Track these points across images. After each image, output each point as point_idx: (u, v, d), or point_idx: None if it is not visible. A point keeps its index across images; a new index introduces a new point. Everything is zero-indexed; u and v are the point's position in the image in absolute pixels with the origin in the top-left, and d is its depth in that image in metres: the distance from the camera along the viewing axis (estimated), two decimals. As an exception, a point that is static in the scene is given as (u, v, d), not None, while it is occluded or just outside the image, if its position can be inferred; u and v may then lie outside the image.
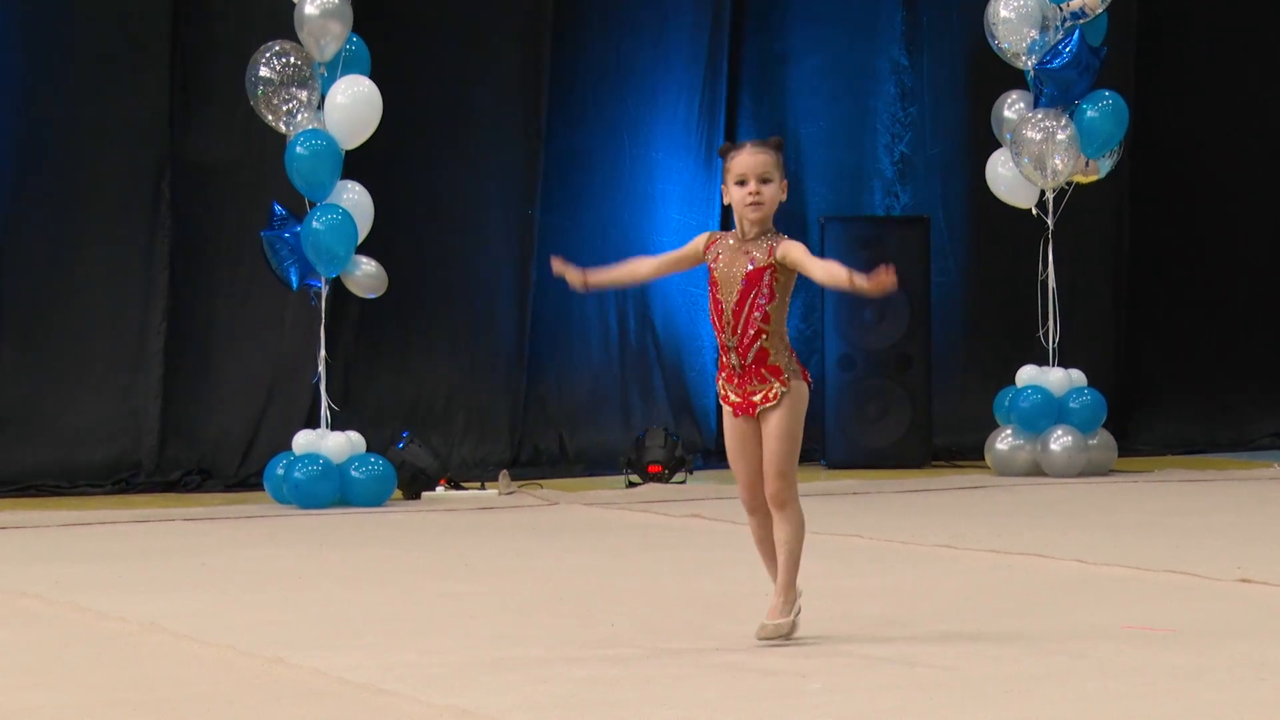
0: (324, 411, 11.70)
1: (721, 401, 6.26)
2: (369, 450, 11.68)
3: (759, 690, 5.48)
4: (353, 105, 11.51)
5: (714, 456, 13.69)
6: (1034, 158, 12.54)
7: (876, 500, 11.59)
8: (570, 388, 14.06)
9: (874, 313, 13.65)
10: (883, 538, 9.41)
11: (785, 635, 6.13)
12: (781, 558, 6.20)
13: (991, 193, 13.05)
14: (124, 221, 12.79)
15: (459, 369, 13.67)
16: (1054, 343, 12.81)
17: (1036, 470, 12.66)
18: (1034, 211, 12.88)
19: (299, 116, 11.52)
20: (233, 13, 12.75)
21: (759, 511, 6.23)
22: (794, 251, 6.11)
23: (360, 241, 11.62)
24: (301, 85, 11.50)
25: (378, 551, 9.39)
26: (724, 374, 6.23)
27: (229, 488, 12.57)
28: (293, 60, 11.49)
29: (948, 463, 13.87)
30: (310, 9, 11.47)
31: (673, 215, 14.23)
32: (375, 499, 11.45)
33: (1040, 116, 12.52)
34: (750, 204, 6.13)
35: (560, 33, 13.85)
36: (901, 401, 13.69)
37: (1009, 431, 12.79)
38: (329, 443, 11.51)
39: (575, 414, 14.01)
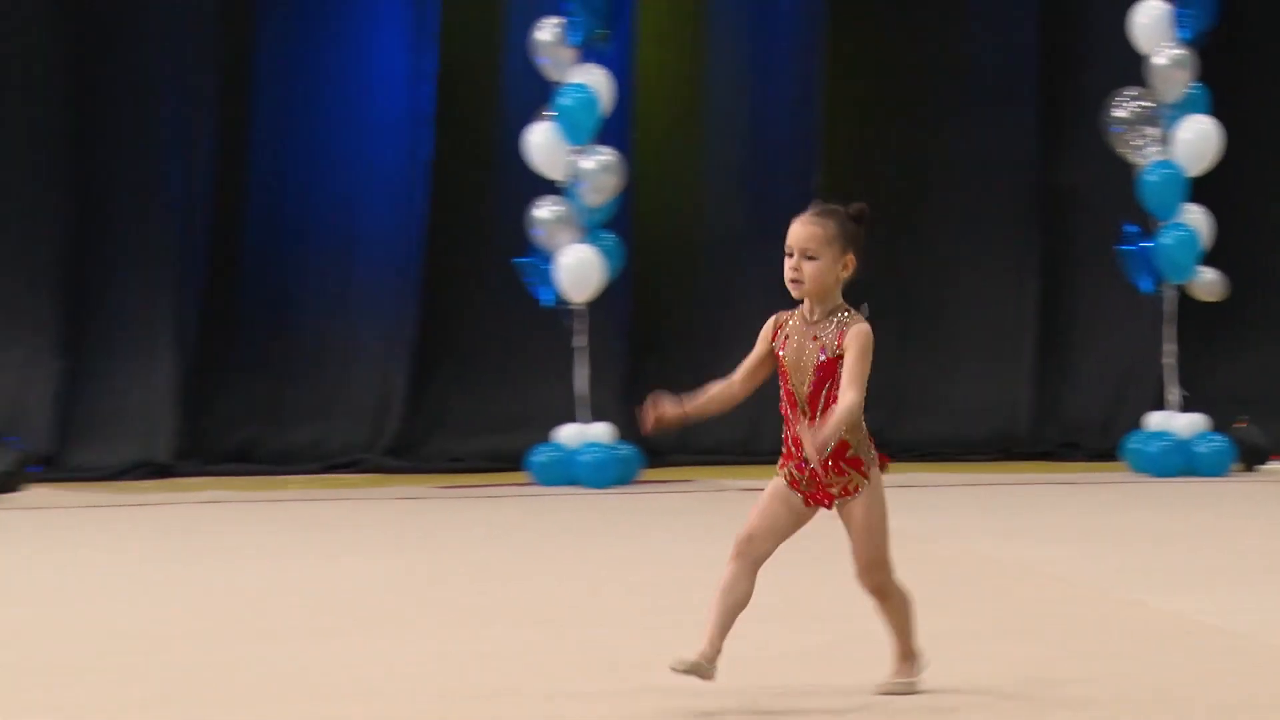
0: (1173, 395, 12.71)
1: (788, 485, 5.25)
2: (1211, 429, 12.71)
3: None
4: (1195, 140, 12.68)
5: None
6: None
7: None
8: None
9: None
10: None
11: (905, 693, 5.30)
12: (893, 632, 5.36)
13: None
14: (1002, 236, 14.10)
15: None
16: None
17: None
18: None
19: (1149, 149, 12.77)
20: (1096, 64, 13.78)
21: (744, 560, 5.20)
22: (850, 350, 5.14)
23: (1202, 254, 12.74)
24: (1151, 123, 12.73)
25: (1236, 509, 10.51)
26: (792, 462, 5.23)
27: (1091, 458, 13.55)
28: (1144, 102, 12.74)
29: None
30: (1160, 60, 12.69)
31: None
32: (1218, 470, 12.52)
33: None
34: (790, 280, 5.19)
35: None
36: None
37: None
38: (1177, 422, 12.75)
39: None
